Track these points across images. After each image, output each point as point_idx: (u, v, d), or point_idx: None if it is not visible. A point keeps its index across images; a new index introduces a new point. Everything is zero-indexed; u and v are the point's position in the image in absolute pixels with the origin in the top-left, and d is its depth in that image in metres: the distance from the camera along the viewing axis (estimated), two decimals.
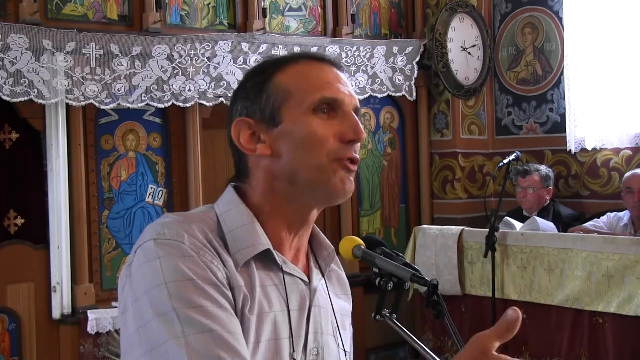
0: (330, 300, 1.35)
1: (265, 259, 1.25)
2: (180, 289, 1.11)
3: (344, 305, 1.43)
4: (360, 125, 1.29)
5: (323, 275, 1.36)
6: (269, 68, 1.31)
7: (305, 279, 1.30)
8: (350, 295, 1.47)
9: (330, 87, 1.28)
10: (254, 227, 1.25)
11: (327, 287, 1.38)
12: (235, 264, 1.21)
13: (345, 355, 1.41)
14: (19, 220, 3.94)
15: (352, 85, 4.76)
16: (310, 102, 1.26)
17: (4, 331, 3.85)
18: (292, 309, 1.25)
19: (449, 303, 3.51)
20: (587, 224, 4.45)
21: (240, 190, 1.31)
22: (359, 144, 1.30)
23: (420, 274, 1.30)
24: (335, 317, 1.35)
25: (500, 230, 4.31)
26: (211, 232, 1.22)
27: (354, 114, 1.29)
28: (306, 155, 1.25)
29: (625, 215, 4.42)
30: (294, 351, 1.23)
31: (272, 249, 1.25)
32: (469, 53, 5.30)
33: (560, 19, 5.03)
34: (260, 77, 1.30)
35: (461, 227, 4.60)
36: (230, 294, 1.16)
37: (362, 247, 1.40)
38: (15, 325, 3.88)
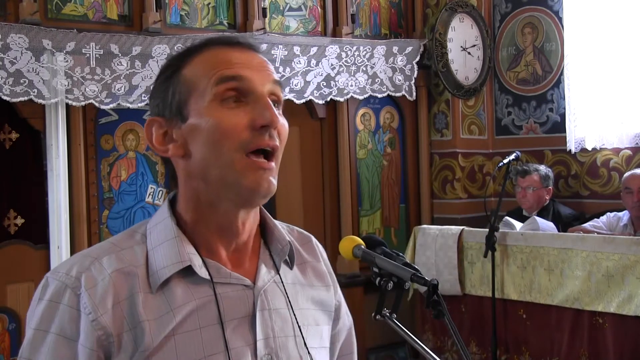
0: (288, 298, 1.25)
1: (193, 274, 1.18)
2: (36, 339, 1.14)
3: (322, 296, 1.34)
4: (274, 109, 1.18)
5: (277, 272, 1.26)
6: (175, 62, 1.23)
7: (248, 282, 1.21)
8: (333, 286, 1.38)
9: (231, 67, 1.18)
10: (174, 244, 1.18)
11: (298, 281, 1.30)
12: (154, 285, 1.15)
13: (332, 347, 1.36)
14: (19, 220, 3.94)
15: (352, 86, 4.84)
16: (211, 88, 1.16)
17: (4, 331, 3.85)
18: (229, 319, 1.17)
19: (449, 303, 3.51)
20: (587, 224, 4.45)
21: (175, 200, 1.24)
22: (275, 131, 1.18)
23: (420, 273, 1.30)
24: (295, 315, 1.25)
25: (500, 230, 4.31)
26: (125, 262, 1.16)
27: (267, 97, 1.18)
28: (215, 151, 1.15)
29: (625, 215, 4.42)
30: None
31: (196, 264, 1.18)
32: (469, 53, 5.30)
33: (560, 19, 5.03)
34: (168, 72, 1.22)
35: (461, 227, 4.60)
36: (95, 353, 1.12)
37: (362, 247, 1.39)
38: (15, 325, 3.88)
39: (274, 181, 1.18)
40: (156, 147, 1.21)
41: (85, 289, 1.13)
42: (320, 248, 1.41)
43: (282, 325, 1.23)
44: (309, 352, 1.25)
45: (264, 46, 4.49)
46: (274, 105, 1.20)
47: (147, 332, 1.13)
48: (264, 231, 1.29)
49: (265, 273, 1.24)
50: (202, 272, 1.18)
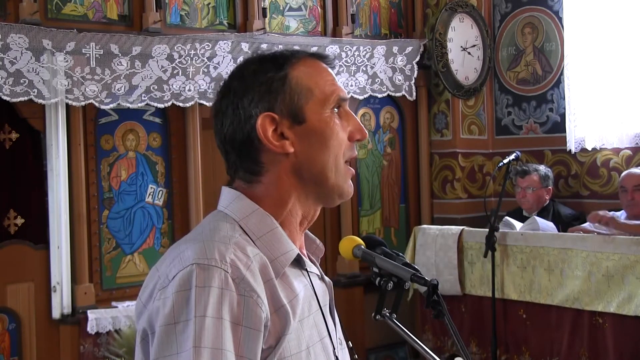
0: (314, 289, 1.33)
1: (294, 261, 1.24)
2: (208, 327, 1.07)
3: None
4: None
5: (318, 268, 1.36)
6: (280, 59, 1.27)
7: (321, 274, 1.32)
8: None
9: (336, 86, 1.30)
10: (281, 232, 1.23)
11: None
12: (276, 272, 1.18)
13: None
14: (19, 220, 3.94)
15: (352, 86, 4.84)
16: (331, 101, 1.27)
17: (4, 331, 3.85)
18: (322, 305, 1.27)
19: (449, 303, 3.51)
20: (587, 224, 4.45)
21: (247, 192, 1.25)
22: None
23: (420, 274, 1.31)
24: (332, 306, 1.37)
25: (500, 230, 4.31)
26: (247, 249, 1.17)
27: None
28: (329, 156, 1.25)
29: (623, 214, 4.42)
30: (334, 348, 1.26)
31: (298, 251, 1.25)
32: (469, 53, 5.30)
33: (560, 19, 5.03)
34: (278, 71, 1.25)
35: (461, 227, 4.60)
36: (260, 336, 1.11)
37: (362, 247, 1.40)
38: (15, 325, 3.88)
39: None
40: (271, 141, 1.23)
41: (244, 273, 1.12)
42: None
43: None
44: (346, 339, 1.37)
45: (264, 46, 4.49)
46: None
47: (289, 315, 1.16)
48: None
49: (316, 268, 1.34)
50: (305, 262, 1.27)
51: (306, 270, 1.26)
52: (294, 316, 1.16)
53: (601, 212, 4.05)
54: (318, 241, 1.37)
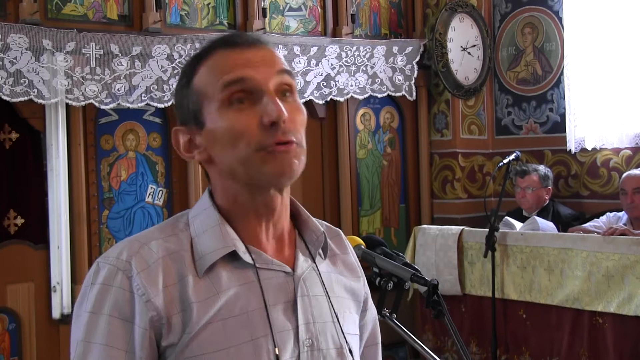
0: (324, 286, 1.30)
1: (237, 259, 1.22)
2: (91, 321, 1.17)
3: (354, 286, 1.39)
4: (280, 104, 1.19)
5: (314, 261, 1.31)
6: (187, 70, 1.27)
7: (288, 269, 1.26)
8: (362, 278, 1.43)
9: (234, 70, 1.21)
10: (218, 230, 1.23)
11: (332, 270, 1.35)
12: (199, 270, 1.20)
13: (360, 337, 1.39)
14: (19, 220, 3.94)
15: (352, 86, 4.84)
16: (218, 93, 1.20)
17: (4, 331, 3.85)
18: (272, 304, 1.21)
19: (449, 303, 3.50)
20: (587, 224, 4.45)
21: (211, 189, 1.30)
22: (288, 124, 1.20)
23: (420, 273, 1.31)
24: (331, 302, 1.29)
25: (500, 230, 4.31)
26: (172, 248, 1.21)
27: (271, 92, 1.20)
28: (232, 153, 1.20)
29: (624, 215, 4.42)
30: (275, 347, 1.19)
31: (240, 249, 1.22)
32: (469, 53, 5.30)
33: (560, 19, 5.03)
34: (183, 81, 1.27)
35: (461, 227, 4.60)
36: (143, 332, 1.15)
37: (363, 247, 1.40)
38: (15, 325, 3.88)
39: (297, 162, 1.21)
40: (184, 154, 1.27)
41: (137, 271, 1.17)
42: (347, 241, 1.46)
43: (321, 311, 1.27)
44: (345, 338, 1.29)
45: None
46: (285, 94, 1.23)
47: (195, 314, 1.17)
48: (298, 224, 1.34)
49: (303, 261, 1.29)
50: (246, 257, 1.22)
51: (255, 266, 1.22)
52: (204, 315, 1.17)
53: (614, 227, 4.04)
54: (319, 232, 1.32)
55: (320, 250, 1.33)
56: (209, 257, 1.21)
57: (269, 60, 1.25)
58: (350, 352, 1.28)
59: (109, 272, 1.18)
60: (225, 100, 1.20)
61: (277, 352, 1.19)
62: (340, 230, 1.45)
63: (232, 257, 1.22)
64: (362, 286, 1.42)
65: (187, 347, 1.17)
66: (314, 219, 1.36)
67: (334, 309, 1.29)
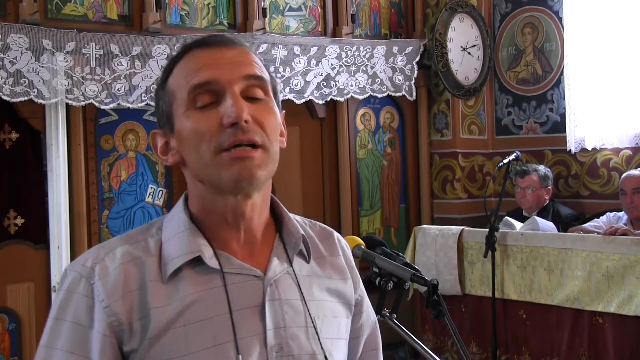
0: (301, 289, 1.26)
1: (203, 265, 1.20)
2: (54, 327, 1.21)
3: (340, 288, 1.34)
4: (242, 104, 1.17)
5: (290, 264, 1.27)
6: (163, 74, 1.28)
7: (259, 273, 1.23)
8: (352, 280, 1.38)
9: (200, 71, 1.20)
10: (185, 235, 1.22)
11: (314, 273, 1.31)
12: (164, 275, 1.19)
13: (356, 341, 1.37)
14: (19, 220, 3.94)
15: (352, 86, 4.84)
16: (185, 97, 1.20)
17: (4, 331, 3.85)
18: (238, 309, 1.19)
19: (449, 303, 3.51)
20: (587, 224, 4.45)
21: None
22: (252, 125, 1.17)
23: (420, 273, 1.31)
24: (307, 307, 1.25)
25: (500, 230, 4.31)
26: (136, 253, 1.21)
27: (234, 93, 1.18)
28: (196, 155, 1.19)
29: (624, 215, 4.42)
30: (239, 353, 1.16)
31: (206, 254, 1.20)
32: (469, 53, 5.30)
33: (560, 19, 5.03)
34: (161, 88, 1.27)
35: (461, 227, 4.60)
36: (103, 338, 1.16)
37: (363, 247, 1.40)
38: (15, 325, 3.88)
39: (259, 169, 1.18)
40: (160, 157, 1.28)
41: (99, 278, 1.18)
42: (342, 243, 1.41)
43: (294, 315, 1.24)
44: (320, 343, 1.24)
45: (263, 46, 4.49)
46: (255, 96, 1.21)
47: (154, 320, 1.16)
48: (280, 226, 1.31)
49: (277, 265, 1.26)
50: (212, 263, 1.21)
51: (221, 271, 1.20)
52: (164, 321, 1.16)
53: (615, 226, 4.03)
54: (298, 235, 1.28)
55: (305, 251, 1.30)
56: (174, 262, 1.20)
57: (238, 61, 1.22)
58: (326, 358, 1.24)
59: (73, 279, 1.20)
60: (190, 102, 1.20)
61: (240, 358, 1.16)
62: (334, 232, 1.41)
63: (199, 262, 1.20)
64: (351, 288, 1.37)
65: (147, 353, 1.16)
66: (303, 221, 1.34)
67: (310, 314, 1.25)
